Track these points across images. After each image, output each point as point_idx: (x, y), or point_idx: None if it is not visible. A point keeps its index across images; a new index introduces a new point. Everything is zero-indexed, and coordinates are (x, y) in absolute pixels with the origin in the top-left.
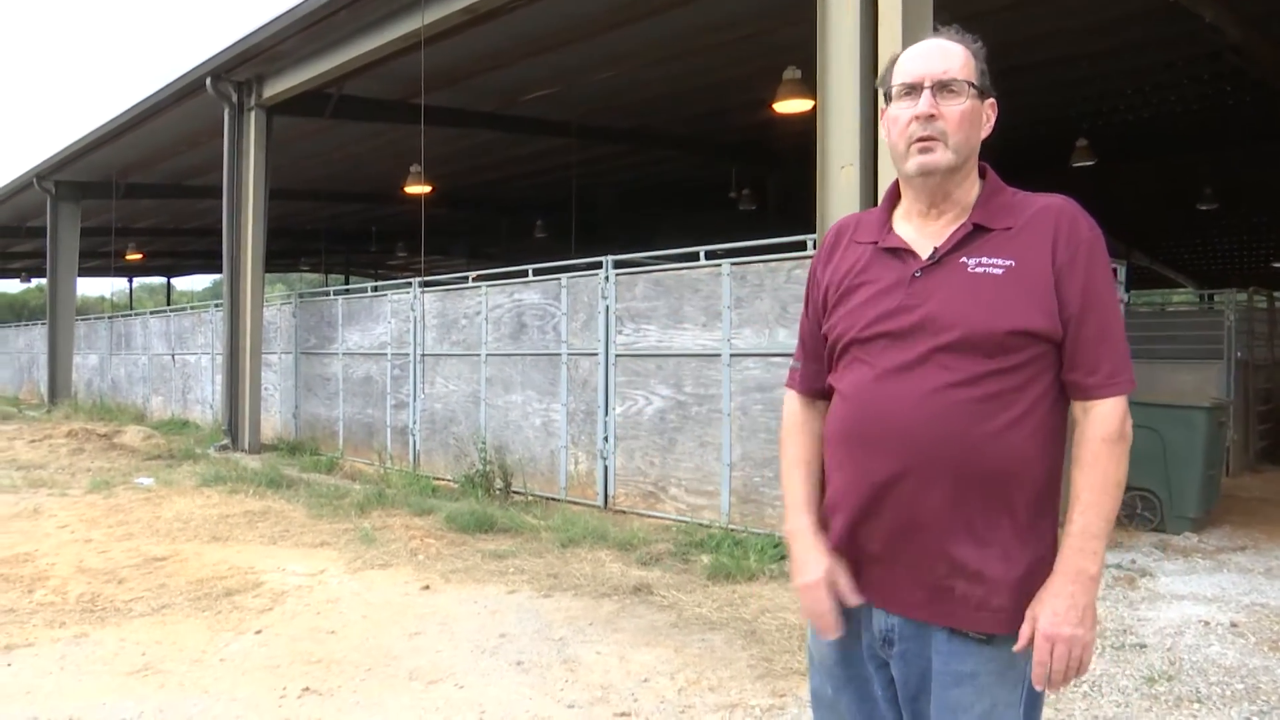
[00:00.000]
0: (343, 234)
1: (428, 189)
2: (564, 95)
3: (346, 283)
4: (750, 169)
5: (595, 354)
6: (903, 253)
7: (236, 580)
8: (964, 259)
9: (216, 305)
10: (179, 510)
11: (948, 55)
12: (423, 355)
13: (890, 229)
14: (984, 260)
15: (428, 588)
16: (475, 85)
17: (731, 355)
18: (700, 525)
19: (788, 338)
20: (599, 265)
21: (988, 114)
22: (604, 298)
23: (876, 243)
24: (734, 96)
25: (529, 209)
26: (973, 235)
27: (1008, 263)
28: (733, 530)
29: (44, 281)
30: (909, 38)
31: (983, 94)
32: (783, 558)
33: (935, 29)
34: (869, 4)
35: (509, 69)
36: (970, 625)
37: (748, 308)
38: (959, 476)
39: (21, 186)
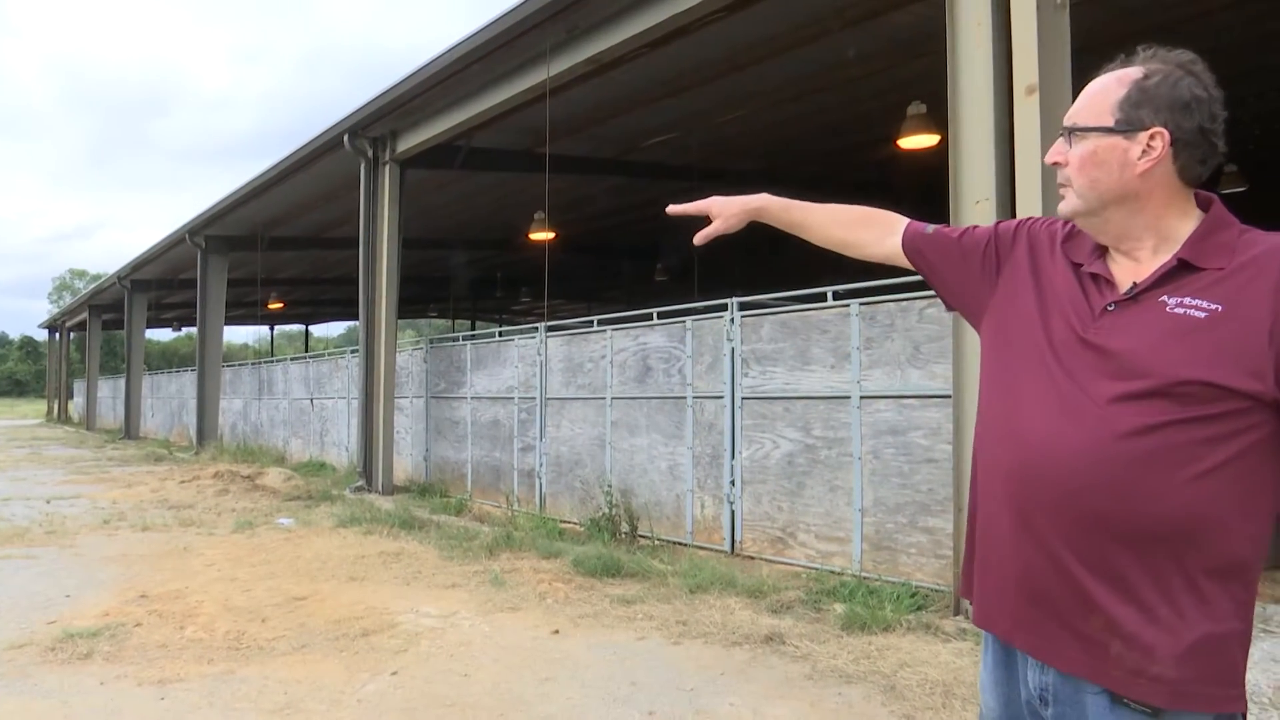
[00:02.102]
0: (469, 280)
1: (551, 235)
2: (684, 139)
3: (473, 328)
4: (874, 206)
5: (721, 397)
6: (1101, 281)
7: (372, 621)
8: (1164, 297)
9: (352, 351)
10: (318, 550)
11: (1082, 97)
12: (548, 399)
13: (1099, 254)
14: (1186, 301)
15: (557, 632)
16: (597, 133)
17: (862, 397)
18: (831, 572)
19: (921, 379)
20: (724, 307)
21: (1146, 147)
22: (729, 340)
23: (1081, 265)
24: (856, 134)
25: (649, 252)
26: (1177, 272)
27: (1214, 307)
28: (865, 578)
29: (194, 330)
30: (1045, 68)
31: (1132, 128)
32: (920, 608)
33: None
34: (1002, 35)
35: (630, 115)
36: (1126, 691)
37: (878, 348)
38: (1125, 528)
39: (175, 241)
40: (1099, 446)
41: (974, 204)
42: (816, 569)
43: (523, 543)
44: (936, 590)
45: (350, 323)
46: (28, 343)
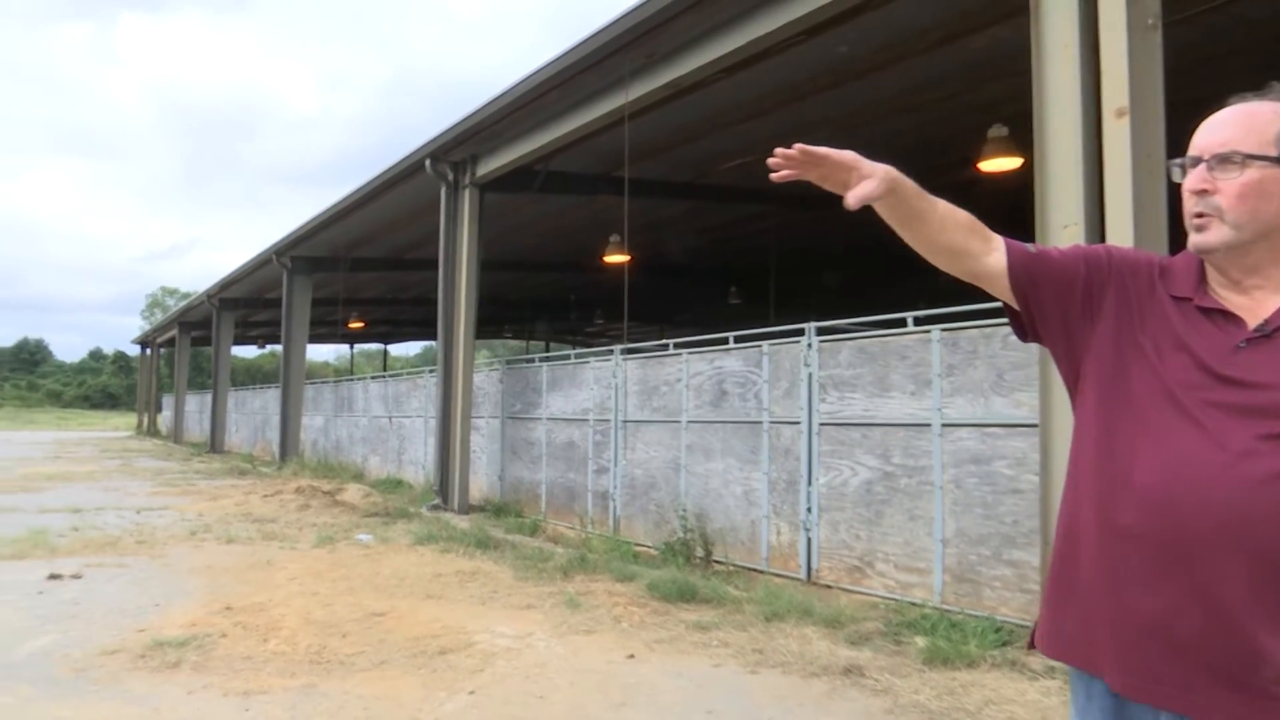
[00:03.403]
0: (543, 302)
1: (627, 258)
2: (760, 163)
3: (547, 349)
4: None
5: (798, 422)
6: (1220, 317)
7: (450, 639)
8: None
9: (430, 371)
10: (396, 567)
11: (1230, 125)
12: (624, 421)
13: (1202, 289)
14: None
15: (632, 657)
16: (673, 157)
17: (943, 425)
18: (911, 604)
19: (1005, 407)
20: (801, 332)
21: None
22: (806, 365)
23: (1187, 299)
24: (935, 157)
25: (724, 275)
26: None
27: None
28: (947, 611)
29: (277, 348)
30: (1136, 90)
31: None
32: (1005, 644)
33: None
34: (1090, 56)
35: (706, 139)
36: None
37: (960, 375)
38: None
39: (262, 262)
40: (1258, 486)
41: (1062, 228)
42: (895, 600)
43: (597, 565)
44: (1022, 625)
45: (426, 342)
46: (120, 357)
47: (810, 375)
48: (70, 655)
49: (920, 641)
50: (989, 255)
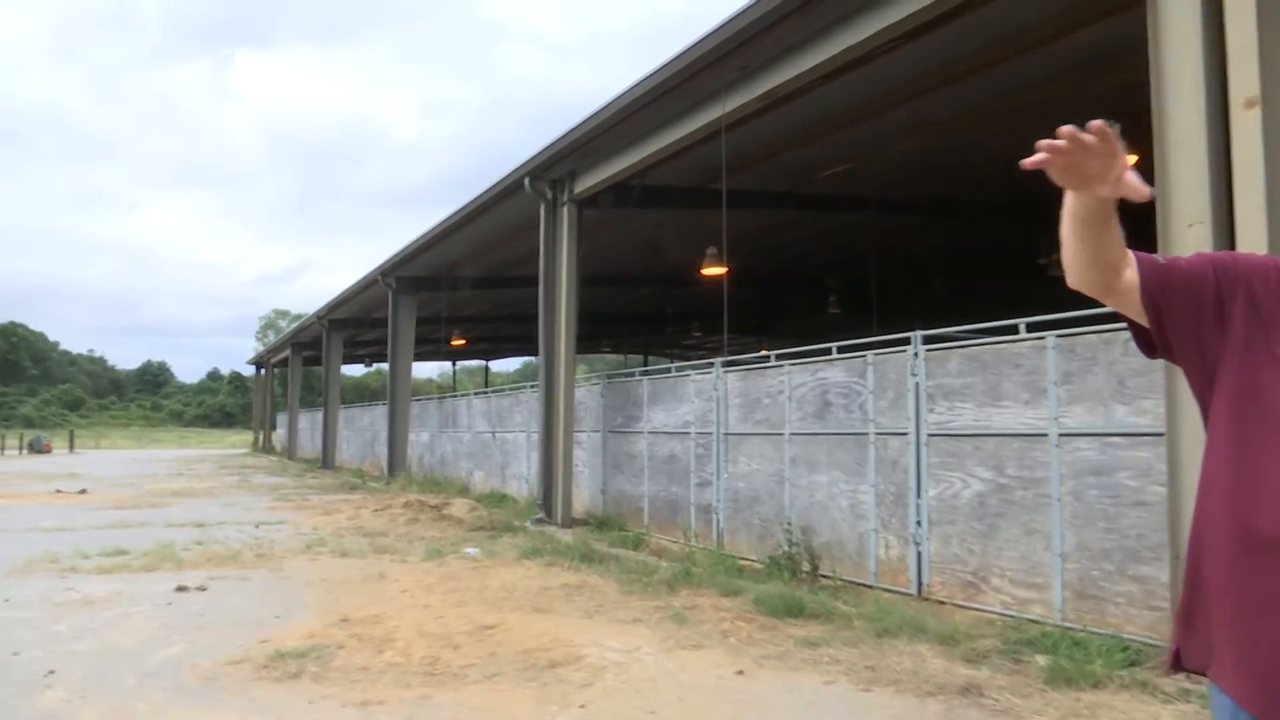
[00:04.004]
0: (640, 316)
1: (725, 270)
2: (859, 170)
3: (645, 363)
4: (1059, 233)
5: (905, 433)
6: None
7: (559, 653)
8: None
9: (532, 387)
10: (503, 580)
11: None
12: (725, 434)
13: None
14: None
15: (741, 672)
16: (770, 167)
17: (1060, 435)
18: (1029, 621)
19: (1127, 415)
20: (907, 341)
21: None
22: (913, 375)
23: None
24: None
25: (822, 285)
26: None
27: None
28: (1069, 629)
29: (384, 366)
30: (1268, 78)
31: None
32: (1133, 663)
33: None
34: (1214, 45)
35: (803, 149)
36: None
37: (1078, 383)
38: None
39: (368, 283)
40: None
41: (1187, 227)
42: (1013, 616)
43: (702, 579)
44: (1151, 644)
45: (526, 358)
46: (236, 378)
47: (917, 385)
48: (198, 664)
49: (1041, 660)
50: (1126, 269)
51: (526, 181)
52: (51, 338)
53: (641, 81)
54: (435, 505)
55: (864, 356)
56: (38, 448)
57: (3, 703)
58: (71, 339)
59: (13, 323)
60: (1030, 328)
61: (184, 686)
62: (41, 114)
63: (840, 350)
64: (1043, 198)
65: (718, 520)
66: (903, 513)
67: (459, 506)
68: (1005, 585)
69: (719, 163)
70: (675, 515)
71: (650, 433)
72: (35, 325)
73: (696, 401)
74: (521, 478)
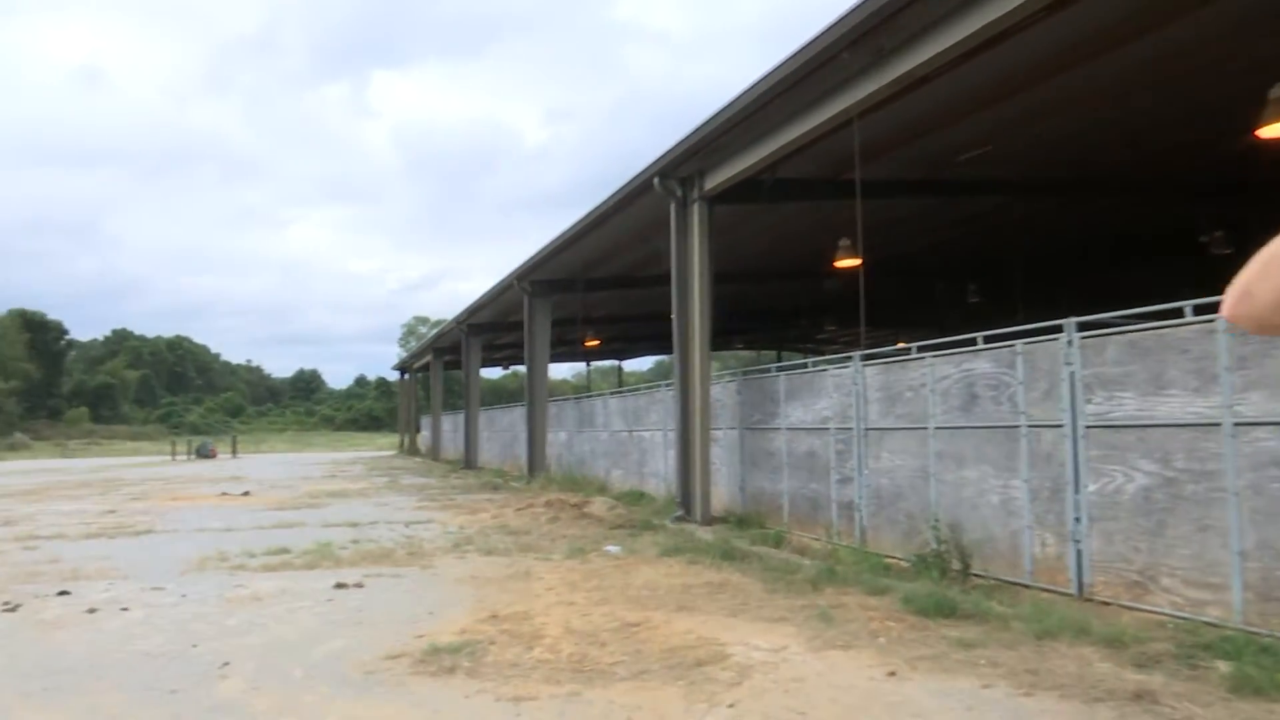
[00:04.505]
0: (772, 311)
1: (858, 261)
2: (999, 152)
3: (778, 359)
4: (1222, 207)
5: (1060, 425)
6: None
7: (705, 651)
8: None
9: (667, 385)
10: (646, 578)
11: None
12: (866, 430)
13: None
14: None
15: (894, 674)
16: (905, 153)
17: (1235, 425)
18: (1206, 624)
19: None
20: (1058, 329)
21: None
22: (1067, 364)
23: None
24: (1200, 128)
25: (961, 273)
26: None
27: None
28: (1253, 633)
29: (520, 368)
30: None
31: None
32: None
33: None
34: None
35: (938, 133)
36: None
37: (1256, 368)
38: None
39: (504, 288)
40: None
41: None
42: (1186, 619)
43: (846, 577)
44: None
45: (659, 357)
46: (382, 383)
47: (1072, 375)
48: (359, 658)
49: (1223, 666)
50: None
51: (656, 181)
52: (213, 349)
53: (771, 73)
54: (575, 504)
55: (1012, 346)
56: (204, 453)
57: (185, 691)
58: (232, 350)
59: (180, 336)
60: (1197, 310)
61: (346, 679)
62: (202, 141)
63: (986, 340)
64: (1199, 172)
65: (860, 517)
66: (1059, 509)
67: (598, 505)
68: (1176, 585)
69: (851, 152)
70: (816, 512)
71: (788, 429)
72: (199, 339)
73: (835, 396)
74: (659, 476)
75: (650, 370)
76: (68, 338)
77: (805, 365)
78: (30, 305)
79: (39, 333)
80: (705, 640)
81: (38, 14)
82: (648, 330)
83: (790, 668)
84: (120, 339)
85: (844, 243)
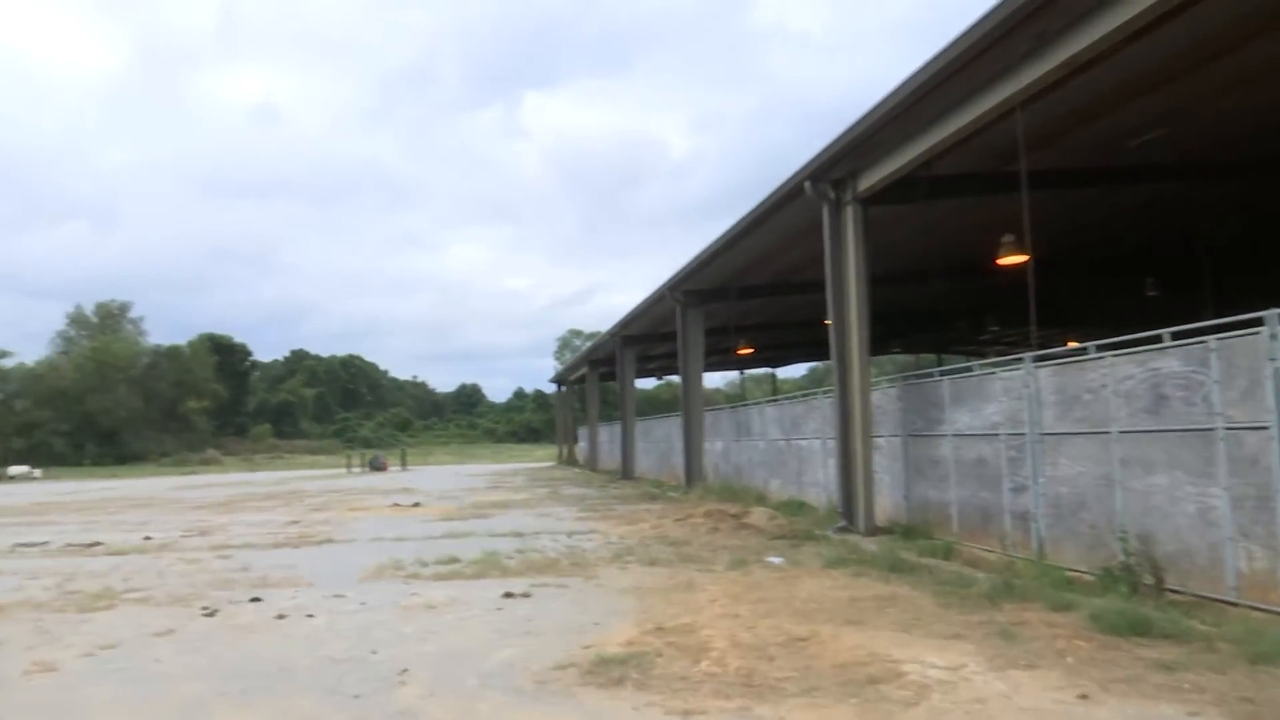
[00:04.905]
0: (930, 314)
1: (1025, 258)
2: (1176, 135)
3: (938, 362)
4: None
5: (1265, 427)
6: None
7: (877, 668)
8: None
9: (824, 392)
10: (810, 591)
11: None
12: (1041, 435)
13: None
14: None
15: (1085, 697)
16: (1071, 141)
17: None
18: None
19: None
20: (1259, 322)
21: None
22: (1272, 360)
23: None
24: None
25: (1136, 266)
26: None
27: None
28: None
29: (673, 378)
30: None
31: None
32: None
33: None
34: None
35: (1108, 117)
36: None
37: None
38: None
39: (657, 299)
40: None
41: None
42: None
43: (1026, 592)
44: None
45: (813, 364)
46: (539, 395)
47: (1277, 371)
48: (530, 667)
49: None
50: None
51: (807, 185)
52: (382, 367)
53: (926, 65)
54: (734, 514)
55: (1204, 342)
56: (376, 465)
57: (367, 697)
58: (398, 367)
59: (352, 355)
60: None
61: (518, 689)
62: (367, 170)
63: (1174, 336)
64: None
65: (1037, 528)
66: (1268, 519)
67: (758, 515)
68: None
69: (1012, 143)
70: (987, 523)
71: (955, 435)
72: (369, 357)
73: (1005, 400)
74: (819, 485)
75: (804, 377)
76: (251, 359)
77: (970, 368)
78: (218, 330)
79: (226, 355)
80: (877, 656)
81: (220, 61)
82: (801, 337)
83: (970, 688)
84: (298, 359)
85: (1007, 238)
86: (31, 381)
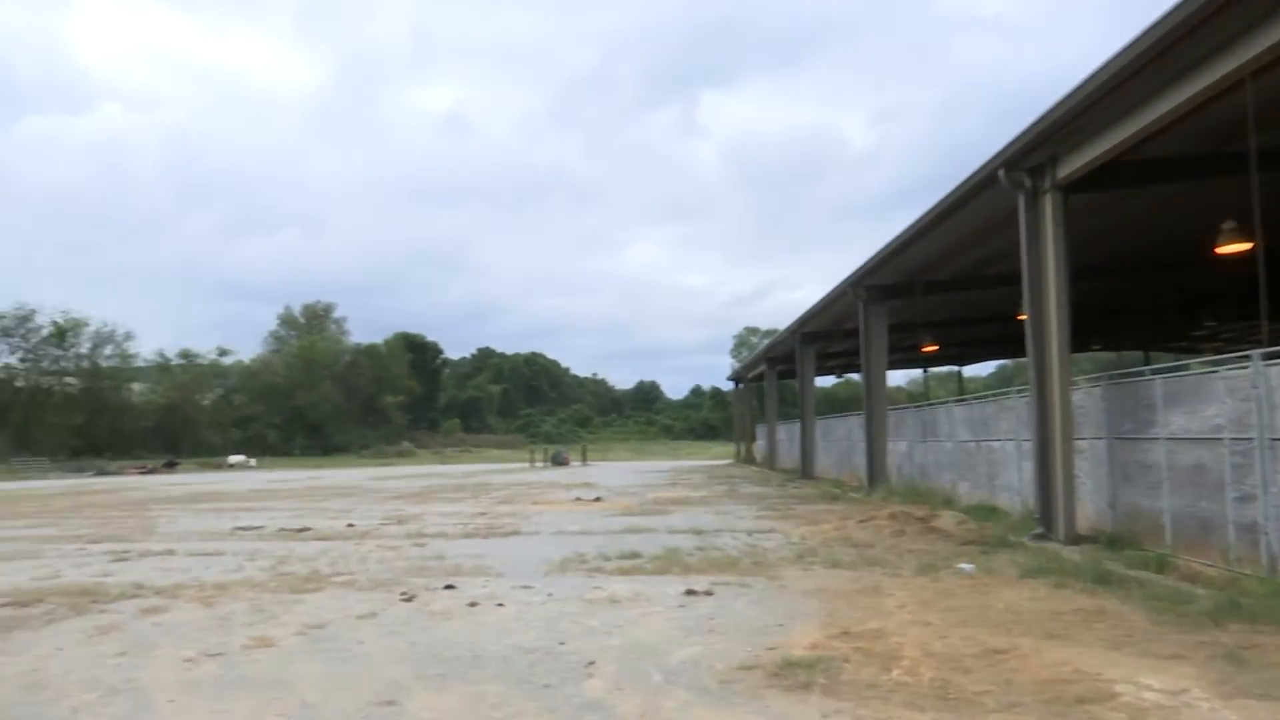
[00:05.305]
0: (1135, 308)
1: (1250, 245)
2: None
3: (1145, 360)
4: None
5: None
6: None
7: (1085, 687)
8: None
9: (1019, 392)
10: (1007, 601)
11: None
12: (1271, 440)
13: None
14: None
15: None
16: None
17: None
18: None
19: None
20: None
21: None
22: None
23: None
24: None
25: None
26: None
27: None
28: None
29: (853, 376)
30: None
31: None
32: None
33: None
34: None
35: None
36: None
37: None
38: None
39: (838, 295)
40: None
41: None
42: None
43: (1256, 612)
44: None
45: (1001, 361)
46: (716, 393)
47: None
48: (714, 667)
49: None
50: None
51: (1001, 173)
52: (563, 364)
53: (1136, 40)
54: (921, 517)
55: None
56: (559, 460)
57: (556, 687)
58: (579, 364)
59: (534, 353)
60: None
61: (703, 687)
62: (549, 174)
63: None
64: None
65: (1269, 542)
66: None
67: (946, 519)
68: None
69: (1231, 122)
70: (1208, 534)
71: (1168, 439)
72: (551, 355)
73: (1229, 402)
74: (1011, 489)
75: (991, 376)
76: (442, 356)
77: (1187, 366)
78: (411, 329)
79: (419, 353)
80: (1084, 674)
81: (413, 75)
82: (989, 334)
83: (1194, 714)
84: (485, 357)
85: (1228, 225)
86: (248, 378)
